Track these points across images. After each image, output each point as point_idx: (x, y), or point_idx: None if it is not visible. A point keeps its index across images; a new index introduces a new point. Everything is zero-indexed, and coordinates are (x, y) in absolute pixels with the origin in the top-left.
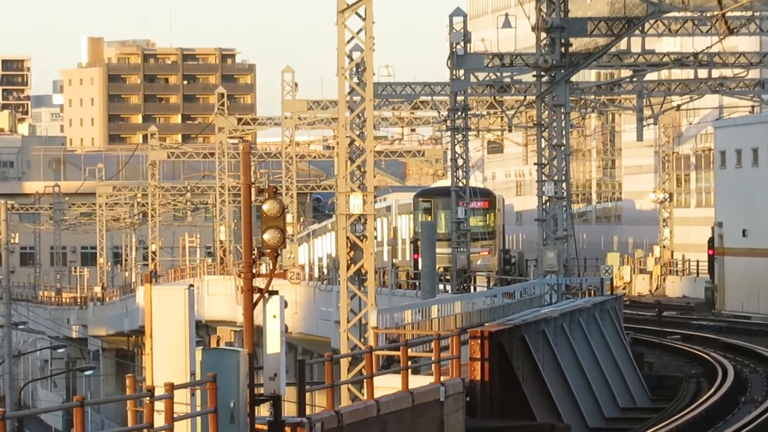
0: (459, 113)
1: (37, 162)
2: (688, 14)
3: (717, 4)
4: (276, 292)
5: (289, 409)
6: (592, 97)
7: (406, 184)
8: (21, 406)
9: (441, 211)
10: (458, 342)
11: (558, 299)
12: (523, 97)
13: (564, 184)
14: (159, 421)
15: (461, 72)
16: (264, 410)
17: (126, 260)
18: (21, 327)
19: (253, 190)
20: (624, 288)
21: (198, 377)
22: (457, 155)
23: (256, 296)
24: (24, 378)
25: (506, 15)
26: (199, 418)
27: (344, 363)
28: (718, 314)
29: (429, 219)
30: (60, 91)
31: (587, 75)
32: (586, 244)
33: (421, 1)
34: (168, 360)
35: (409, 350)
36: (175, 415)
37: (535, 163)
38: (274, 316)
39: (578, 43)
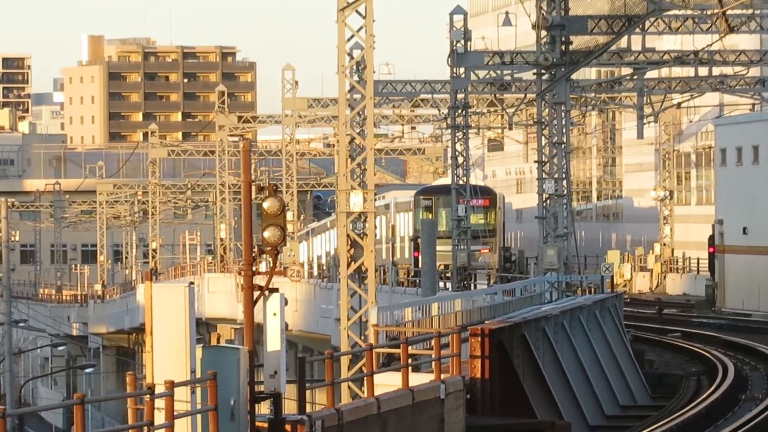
0: (459, 111)
1: (37, 160)
2: (689, 12)
3: (717, 2)
4: (276, 290)
5: (289, 407)
6: (593, 94)
7: (407, 182)
8: (21, 403)
9: (442, 208)
10: (458, 339)
11: (558, 297)
12: (523, 95)
13: (564, 182)
14: (159, 418)
15: (462, 70)
16: (264, 408)
17: (126, 258)
18: (21, 325)
19: (253, 187)
20: (624, 286)
21: (198, 375)
22: (457, 153)
23: (256, 294)
24: (24, 376)
25: (506, 13)
26: (199, 416)
27: (344, 361)
28: (719, 312)
29: (430, 217)
30: (60, 89)
31: (588, 73)
32: (584, 241)
33: None
34: (168, 358)
35: (410, 348)
36: (175, 413)
37: (535, 161)
38: (275, 314)
39: (579, 41)
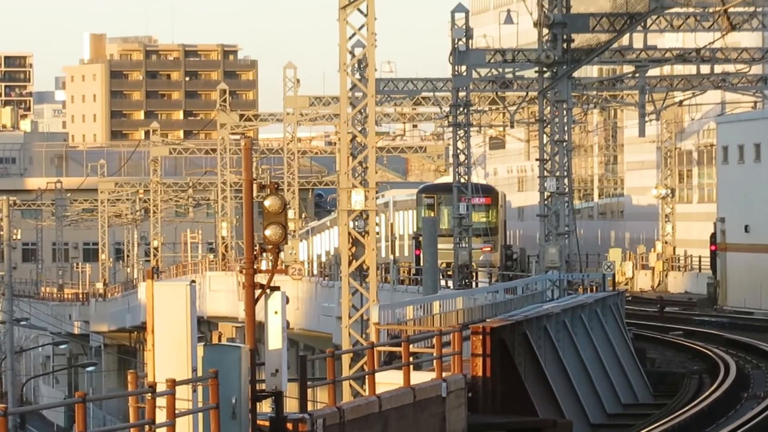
0: (461, 109)
1: (39, 158)
2: (690, 10)
3: (719, 0)
4: (277, 288)
5: (290, 405)
6: (594, 92)
7: (408, 180)
8: (23, 402)
9: (444, 207)
10: (460, 338)
11: (560, 295)
12: (525, 93)
13: (566, 180)
14: (161, 417)
15: (463, 68)
16: (266, 406)
17: (128, 256)
18: (23, 323)
19: (254, 186)
20: (626, 284)
21: (200, 373)
22: (458, 151)
23: (257, 292)
24: (26, 374)
25: (508, 11)
26: (200, 415)
27: (346, 359)
28: (721, 310)
29: (432, 215)
30: (62, 87)
31: (589, 71)
32: (583, 239)
33: None
34: (170, 356)
35: (411, 346)
36: (176, 412)
37: (536, 159)
38: (276, 312)
39: (580, 39)
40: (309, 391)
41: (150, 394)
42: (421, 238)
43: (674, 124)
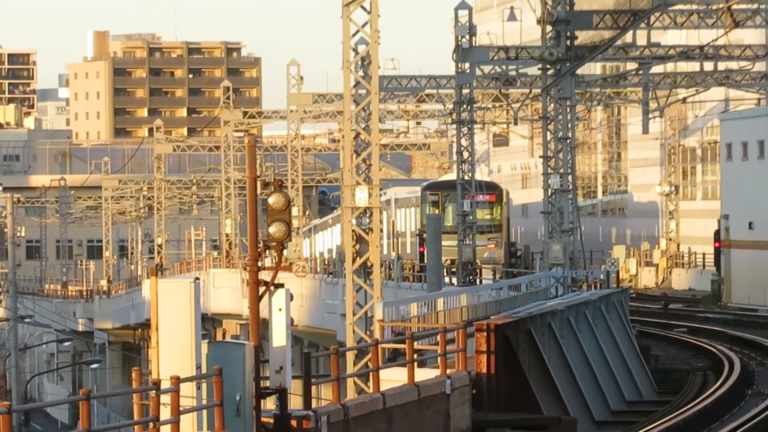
0: (464, 106)
1: (43, 156)
2: (694, 7)
3: None
4: (282, 285)
5: (295, 402)
6: (598, 89)
7: (412, 177)
8: (27, 399)
9: (449, 204)
10: (464, 335)
11: (564, 292)
12: (528, 90)
13: (570, 177)
14: (165, 414)
15: (467, 65)
16: (270, 403)
17: (132, 253)
18: (27, 320)
19: (258, 183)
20: (630, 281)
21: (204, 370)
22: (462, 148)
23: (261, 289)
24: (30, 371)
25: (511, 8)
26: (204, 412)
27: (350, 356)
28: (725, 307)
29: (437, 212)
30: (66, 84)
31: (593, 68)
32: (586, 236)
33: None
34: (174, 353)
35: (415, 343)
36: (180, 409)
37: (540, 156)
38: (280, 309)
39: (584, 36)
40: (313, 388)
41: (154, 392)
42: (425, 235)
43: (678, 121)
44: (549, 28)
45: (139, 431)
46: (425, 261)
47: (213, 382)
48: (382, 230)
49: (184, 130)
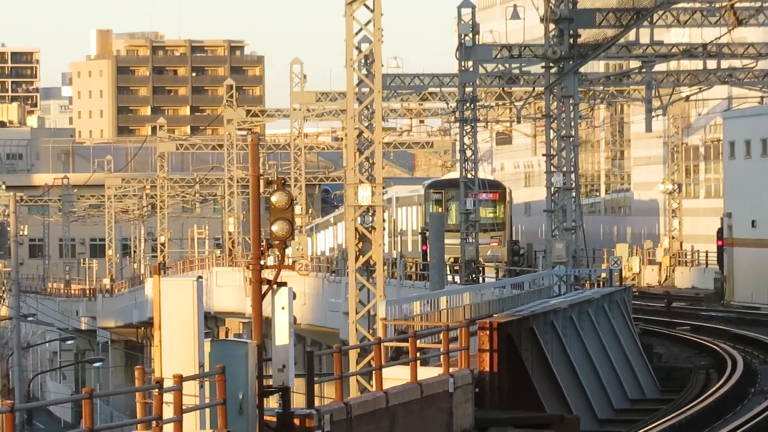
0: (467, 104)
1: (46, 154)
2: (697, 5)
3: None
4: (284, 284)
5: (297, 401)
6: (601, 88)
7: (415, 175)
8: (30, 398)
9: (452, 202)
10: (467, 333)
11: (567, 290)
12: (531, 89)
13: (573, 175)
14: (168, 412)
15: (470, 63)
16: (273, 402)
17: (135, 252)
18: (30, 319)
19: (261, 181)
20: (633, 279)
21: (207, 369)
22: (465, 146)
23: (264, 288)
24: (33, 370)
25: (515, 6)
26: (207, 410)
27: (353, 354)
28: (728, 305)
29: (440, 210)
30: (69, 83)
31: (596, 66)
32: (588, 234)
33: None
34: (177, 351)
35: (418, 341)
36: (183, 407)
37: (543, 154)
38: (283, 308)
39: (587, 34)
40: (316, 386)
41: (157, 390)
42: (428, 234)
43: (681, 120)
44: (552, 26)
45: (142, 430)
46: (428, 259)
47: (216, 381)
48: (384, 228)
49: (187, 129)
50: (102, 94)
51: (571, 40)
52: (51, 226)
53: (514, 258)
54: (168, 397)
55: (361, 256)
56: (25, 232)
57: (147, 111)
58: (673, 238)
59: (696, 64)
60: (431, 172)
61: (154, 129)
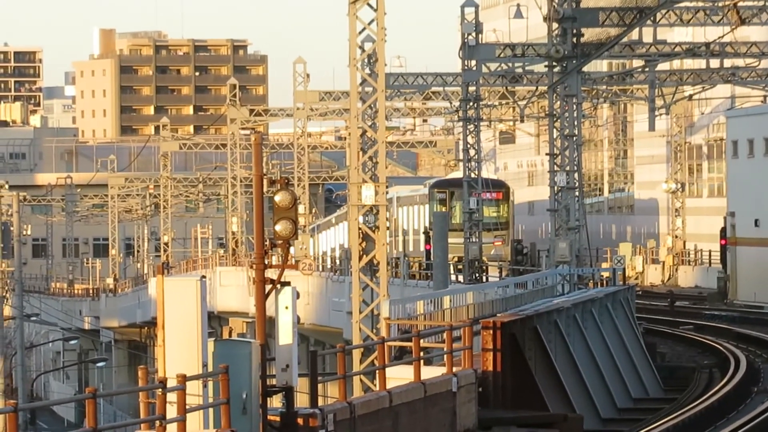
0: (471, 104)
1: (49, 153)
2: (700, 4)
3: None
4: (288, 283)
5: (301, 400)
6: (604, 87)
7: (418, 174)
8: (33, 397)
9: (456, 201)
10: (470, 332)
11: (570, 289)
12: (534, 88)
13: (576, 175)
14: (171, 412)
15: (473, 62)
16: (276, 401)
17: (138, 251)
18: (33, 319)
19: (265, 181)
20: (636, 278)
21: (210, 368)
22: (468, 146)
23: (268, 287)
24: (36, 370)
25: (518, 5)
26: (211, 410)
27: (356, 354)
28: (731, 304)
29: (444, 210)
30: (72, 82)
31: (599, 65)
32: (591, 233)
33: None
34: (180, 351)
35: (422, 341)
36: (187, 407)
37: (547, 154)
38: (286, 307)
39: (590, 34)
40: (319, 386)
41: (161, 390)
42: (431, 233)
43: (684, 119)
44: (555, 25)
45: (145, 429)
46: (431, 258)
47: (219, 380)
48: (388, 228)
49: (191, 128)
50: (105, 93)
51: (574, 39)
52: (54, 226)
53: (517, 257)
54: (171, 397)
55: (364, 256)
56: (29, 232)
57: (150, 110)
58: (676, 237)
59: (699, 63)
60: (434, 172)
61: (157, 128)
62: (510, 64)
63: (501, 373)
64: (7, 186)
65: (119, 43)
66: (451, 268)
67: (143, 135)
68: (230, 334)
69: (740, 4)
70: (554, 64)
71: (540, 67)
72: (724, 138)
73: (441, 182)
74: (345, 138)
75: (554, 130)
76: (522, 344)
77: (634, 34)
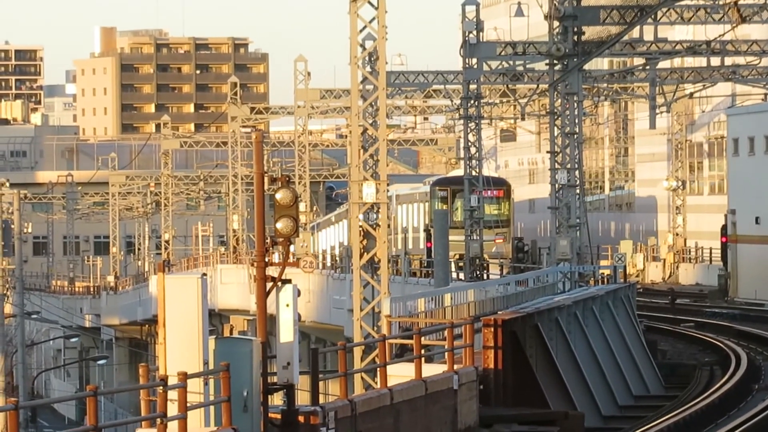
0: (472, 102)
1: (50, 151)
2: (701, 2)
3: None
4: (289, 281)
5: (302, 398)
6: (605, 85)
7: (419, 172)
8: (34, 395)
9: (457, 199)
10: (471, 330)
11: (571, 287)
12: (535, 86)
13: (577, 172)
14: (172, 410)
15: (474, 60)
16: (277, 399)
17: (139, 249)
18: (34, 316)
19: (266, 178)
20: (637, 276)
21: (211, 366)
22: (469, 144)
23: (269, 285)
24: (37, 368)
25: (519, 3)
26: (212, 407)
27: (357, 351)
28: (732, 302)
29: (445, 207)
30: (73, 80)
31: (600, 63)
32: (592, 231)
33: None
34: (181, 349)
35: (423, 338)
36: (188, 404)
37: (548, 152)
38: (287, 305)
39: (591, 32)
40: (320, 383)
41: (161, 387)
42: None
43: (685, 116)
44: (556, 23)
45: (146, 427)
46: (432, 256)
47: (220, 378)
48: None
49: (192, 126)
50: (106, 91)
51: (575, 38)
52: (55, 224)
53: (518, 255)
54: (172, 395)
55: (365, 254)
56: (29, 230)
57: (151, 108)
58: (677, 234)
59: (700, 61)
60: (435, 170)
61: (158, 126)
62: (511, 62)
63: (502, 370)
64: (8, 184)
65: (120, 41)
66: (452, 265)
67: (144, 133)
68: (231, 332)
69: (741, 2)
70: (555, 62)
71: (541, 65)
72: (724, 136)
73: (442, 180)
74: (346, 136)
75: (555, 127)
76: (523, 342)
77: (635, 32)
